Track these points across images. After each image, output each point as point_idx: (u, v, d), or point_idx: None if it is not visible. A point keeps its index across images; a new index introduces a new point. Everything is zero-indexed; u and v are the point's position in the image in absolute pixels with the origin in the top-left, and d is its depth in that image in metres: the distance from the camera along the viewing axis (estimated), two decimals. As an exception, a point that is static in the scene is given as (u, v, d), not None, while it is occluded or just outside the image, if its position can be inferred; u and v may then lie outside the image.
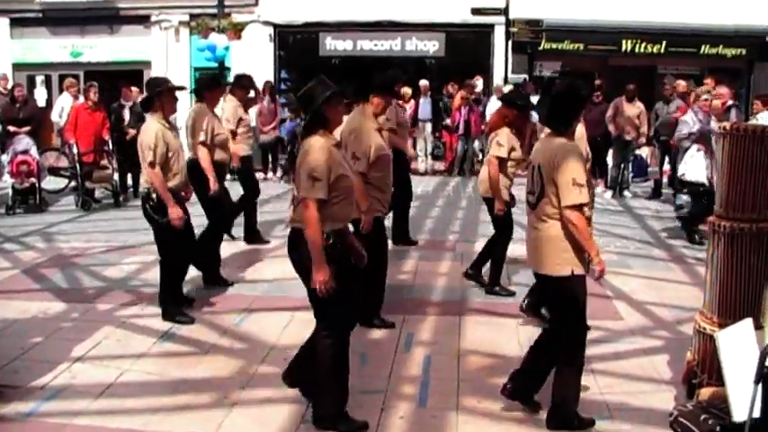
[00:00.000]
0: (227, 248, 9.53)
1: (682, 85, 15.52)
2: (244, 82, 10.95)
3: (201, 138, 8.47)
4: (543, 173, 5.16)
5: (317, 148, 5.08)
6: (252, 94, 11.78)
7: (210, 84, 8.96)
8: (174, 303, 7.51)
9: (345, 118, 6.49)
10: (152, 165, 7.13)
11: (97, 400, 5.65)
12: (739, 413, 3.64)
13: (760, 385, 3.52)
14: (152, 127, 7.25)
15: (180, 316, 7.40)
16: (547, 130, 5.55)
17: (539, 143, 5.59)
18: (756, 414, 3.54)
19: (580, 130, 6.78)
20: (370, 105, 7.20)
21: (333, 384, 5.20)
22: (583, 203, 5.06)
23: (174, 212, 7.18)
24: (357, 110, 7.25)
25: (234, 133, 10.10)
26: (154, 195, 7.22)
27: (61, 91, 17.93)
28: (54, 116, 16.97)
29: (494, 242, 8.65)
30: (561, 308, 5.37)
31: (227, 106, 10.41)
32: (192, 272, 8.26)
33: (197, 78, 12.09)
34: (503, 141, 8.02)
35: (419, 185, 17.21)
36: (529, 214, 5.41)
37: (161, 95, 7.36)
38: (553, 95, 5.43)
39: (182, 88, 7.88)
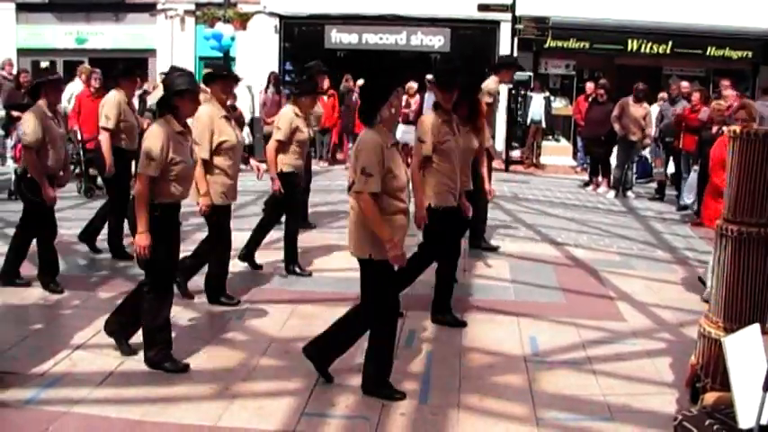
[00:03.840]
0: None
1: (684, 86, 15.46)
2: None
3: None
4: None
5: (149, 133, 5.99)
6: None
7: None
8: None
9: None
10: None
11: (97, 388, 5.63)
12: (746, 420, 3.61)
13: (768, 392, 3.49)
14: (27, 115, 7.83)
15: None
16: None
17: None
18: (764, 421, 3.51)
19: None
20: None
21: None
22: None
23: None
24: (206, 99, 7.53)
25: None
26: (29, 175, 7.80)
27: (66, 77, 17.87)
28: (63, 102, 16.91)
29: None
30: None
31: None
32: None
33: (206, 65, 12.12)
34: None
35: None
36: None
37: (45, 86, 7.88)
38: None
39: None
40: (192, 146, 6.36)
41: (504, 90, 19.29)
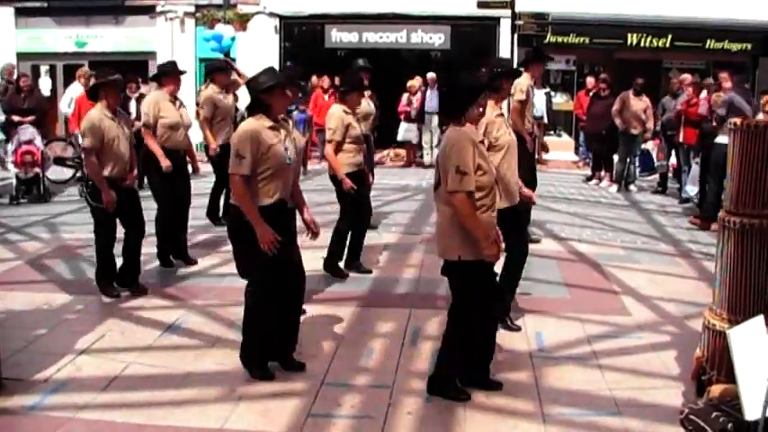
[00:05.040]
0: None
1: (689, 78, 15.42)
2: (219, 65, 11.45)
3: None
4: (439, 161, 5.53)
5: (241, 131, 5.76)
6: (234, 76, 11.77)
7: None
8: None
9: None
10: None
11: (102, 393, 5.62)
12: (752, 411, 3.60)
13: (774, 384, 3.48)
14: (91, 115, 7.66)
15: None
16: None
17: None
18: (770, 413, 3.50)
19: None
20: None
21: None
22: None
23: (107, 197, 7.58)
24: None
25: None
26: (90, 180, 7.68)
27: (66, 81, 17.88)
28: (62, 106, 16.94)
29: None
30: None
31: (205, 93, 10.88)
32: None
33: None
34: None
35: (425, 178, 17.21)
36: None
37: (105, 87, 7.72)
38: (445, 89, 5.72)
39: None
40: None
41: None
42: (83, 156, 7.73)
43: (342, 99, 8.80)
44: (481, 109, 5.55)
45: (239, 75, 11.42)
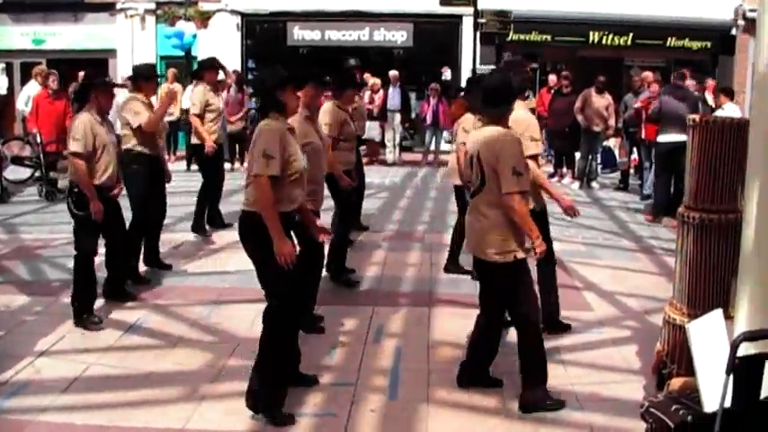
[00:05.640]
0: (195, 240, 9.59)
1: (650, 76, 15.55)
2: (213, 63, 11.14)
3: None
4: (483, 162, 5.32)
5: (266, 129, 5.22)
6: (222, 75, 11.72)
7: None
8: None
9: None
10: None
11: (62, 395, 5.56)
12: (710, 403, 3.64)
13: (731, 376, 3.51)
14: (82, 118, 7.12)
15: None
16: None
17: (477, 131, 5.66)
18: (727, 404, 3.53)
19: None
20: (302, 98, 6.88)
21: None
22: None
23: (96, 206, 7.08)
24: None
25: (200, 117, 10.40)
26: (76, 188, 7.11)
27: (24, 79, 17.66)
28: (20, 104, 16.73)
29: (457, 228, 8.76)
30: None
31: (197, 90, 10.65)
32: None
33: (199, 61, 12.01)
34: (468, 127, 7.94)
35: (387, 176, 17.21)
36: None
37: (96, 89, 7.28)
38: (486, 88, 5.49)
39: (120, 85, 7.96)
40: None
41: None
42: (70, 159, 7.09)
43: (336, 96, 8.56)
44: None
45: (226, 74, 11.32)
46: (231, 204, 11.35)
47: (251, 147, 5.33)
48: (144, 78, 8.57)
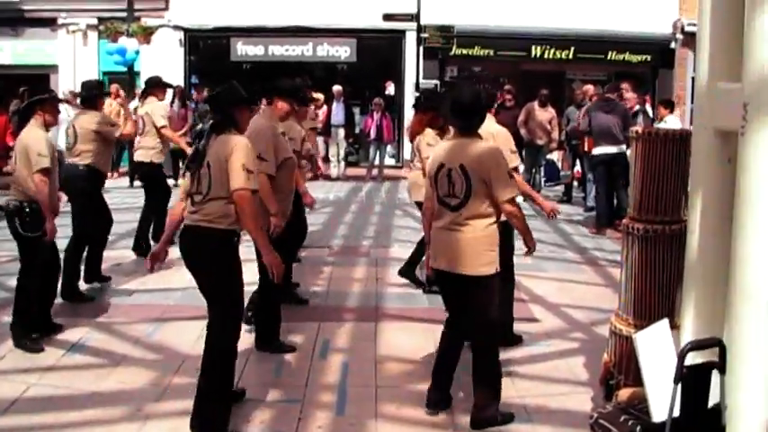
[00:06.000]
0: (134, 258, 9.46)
1: (591, 89, 15.75)
2: (162, 81, 11.11)
3: None
4: (470, 173, 5.24)
5: (243, 144, 5.17)
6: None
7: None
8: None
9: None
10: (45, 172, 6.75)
11: (2, 416, 5.40)
12: (659, 413, 3.66)
13: (679, 385, 3.53)
14: (40, 134, 6.90)
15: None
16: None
17: (449, 144, 5.57)
18: (676, 414, 3.55)
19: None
20: (275, 109, 7.07)
21: None
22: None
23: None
24: (263, 112, 7.12)
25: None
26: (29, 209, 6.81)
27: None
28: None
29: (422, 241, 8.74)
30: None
31: (159, 105, 10.70)
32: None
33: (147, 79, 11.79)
34: (432, 142, 7.93)
35: (331, 191, 17.17)
36: (440, 215, 5.44)
37: (43, 104, 7.07)
38: (463, 97, 5.46)
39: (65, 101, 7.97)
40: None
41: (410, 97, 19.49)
42: (34, 179, 6.68)
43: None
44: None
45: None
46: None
47: (214, 161, 5.15)
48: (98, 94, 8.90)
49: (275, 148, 6.70)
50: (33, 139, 6.82)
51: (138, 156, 10.74)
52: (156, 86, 10.82)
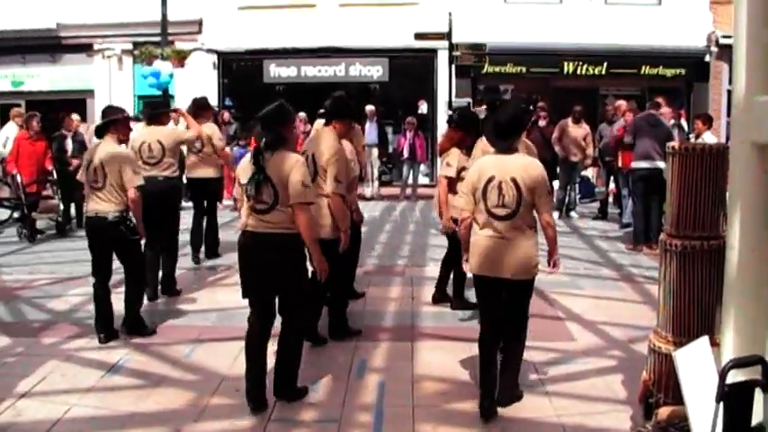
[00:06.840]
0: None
1: (624, 105, 15.69)
2: (209, 103, 11.76)
3: None
4: (522, 185, 5.64)
5: (300, 163, 5.86)
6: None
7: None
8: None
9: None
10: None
11: (43, 437, 5.46)
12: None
13: (721, 404, 3.49)
14: (131, 153, 7.94)
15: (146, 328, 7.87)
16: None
17: (494, 158, 5.89)
18: (718, 432, 3.51)
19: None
20: (334, 129, 7.32)
21: None
22: None
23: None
24: (329, 133, 7.28)
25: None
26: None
27: (3, 121, 17.59)
28: (-4, 148, 16.63)
29: (446, 260, 8.73)
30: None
31: (209, 125, 11.07)
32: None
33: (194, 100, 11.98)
34: (452, 162, 8.14)
35: (365, 210, 17.18)
36: (488, 225, 5.77)
37: (116, 123, 7.77)
38: (505, 118, 5.84)
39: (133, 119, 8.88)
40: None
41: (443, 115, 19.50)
42: (130, 194, 7.55)
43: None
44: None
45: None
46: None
47: (275, 177, 5.74)
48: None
49: (347, 170, 7.29)
50: (128, 158, 7.73)
51: (200, 173, 11.04)
52: (205, 108, 11.12)
